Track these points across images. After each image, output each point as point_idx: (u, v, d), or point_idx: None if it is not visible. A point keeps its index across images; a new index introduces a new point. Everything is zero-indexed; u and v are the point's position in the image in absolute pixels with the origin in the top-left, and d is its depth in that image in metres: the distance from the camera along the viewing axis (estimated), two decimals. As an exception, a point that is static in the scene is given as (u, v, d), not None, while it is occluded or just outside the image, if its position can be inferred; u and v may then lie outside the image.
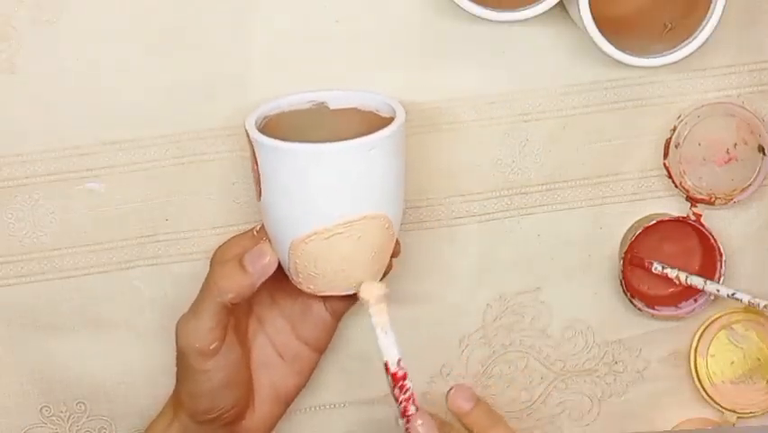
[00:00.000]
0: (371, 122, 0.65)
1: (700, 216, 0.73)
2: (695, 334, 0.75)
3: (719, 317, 0.75)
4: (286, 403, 0.69)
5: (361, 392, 0.74)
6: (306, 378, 0.69)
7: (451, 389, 0.64)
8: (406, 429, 0.60)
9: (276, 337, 0.68)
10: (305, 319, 0.67)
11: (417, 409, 0.60)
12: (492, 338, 0.74)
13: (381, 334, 0.61)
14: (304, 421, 0.74)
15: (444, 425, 0.64)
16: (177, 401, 0.66)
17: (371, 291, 0.62)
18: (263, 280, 0.63)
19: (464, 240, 0.72)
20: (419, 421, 0.60)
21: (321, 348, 0.68)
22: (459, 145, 0.71)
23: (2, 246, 0.70)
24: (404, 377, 0.60)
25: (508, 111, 0.71)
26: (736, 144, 0.72)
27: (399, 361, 0.60)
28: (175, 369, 0.65)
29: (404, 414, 0.60)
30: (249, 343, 0.68)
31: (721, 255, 0.72)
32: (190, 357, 0.63)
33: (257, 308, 0.68)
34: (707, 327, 0.75)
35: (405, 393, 0.60)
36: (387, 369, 0.60)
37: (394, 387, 0.60)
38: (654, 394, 0.76)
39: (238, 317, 0.66)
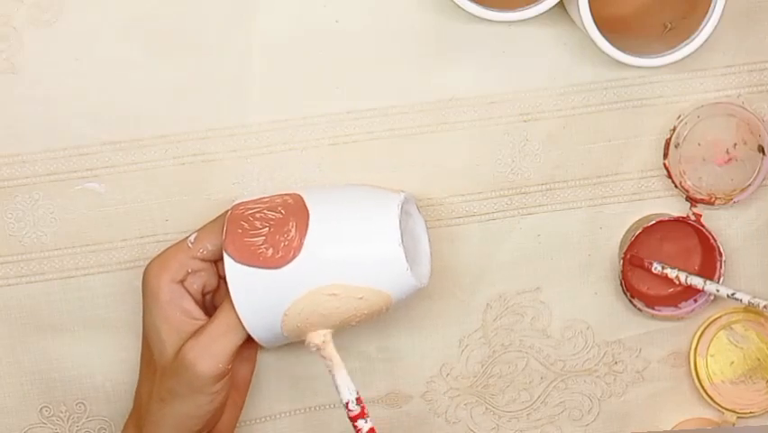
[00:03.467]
0: None
1: (700, 216, 0.73)
2: (695, 334, 0.75)
3: (719, 317, 0.74)
4: (246, 390, 0.69)
5: (361, 392, 0.73)
6: (254, 359, 0.70)
7: None
8: None
9: None
10: None
11: None
12: (492, 338, 0.74)
13: (336, 374, 0.62)
14: (304, 421, 0.74)
15: None
16: (146, 422, 0.65)
17: (316, 337, 0.63)
18: None
19: (464, 240, 0.72)
20: None
21: None
22: (459, 145, 0.71)
23: (2, 246, 0.70)
24: (361, 414, 0.61)
25: (508, 111, 0.71)
26: (735, 144, 0.72)
27: (358, 399, 0.62)
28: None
29: None
30: None
31: (721, 255, 0.72)
32: (205, 381, 0.62)
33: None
34: (706, 327, 0.75)
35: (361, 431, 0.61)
36: (346, 407, 0.61)
37: (353, 423, 0.61)
38: (654, 394, 0.76)
39: None
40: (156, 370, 0.64)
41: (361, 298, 0.63)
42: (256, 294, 0.62)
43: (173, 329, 0.63)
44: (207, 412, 0.64)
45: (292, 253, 0.62)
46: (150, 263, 0.65)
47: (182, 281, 0.65)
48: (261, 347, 0.69)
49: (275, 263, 0.62)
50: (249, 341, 0.65)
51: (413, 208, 0.67)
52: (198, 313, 0.64)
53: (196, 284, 0.65)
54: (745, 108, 0.71)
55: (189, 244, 0.65)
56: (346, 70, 0.69)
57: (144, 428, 0.65)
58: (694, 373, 0.75)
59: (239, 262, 0.62)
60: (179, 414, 0.64)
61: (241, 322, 0.63)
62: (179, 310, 0.64)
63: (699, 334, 0.75)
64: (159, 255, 0.65)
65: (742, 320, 0.75)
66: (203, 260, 0.65)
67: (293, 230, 0.62)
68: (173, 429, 0.64)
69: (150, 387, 0.65)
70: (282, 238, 0.62)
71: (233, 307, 0.63)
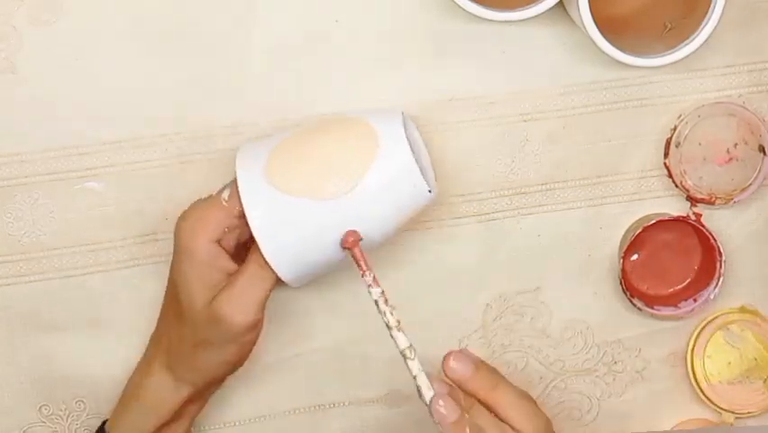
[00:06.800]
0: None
1: (700, 215, 0.73)
2: (692, 335, 0.75)
3: (715, 317, 0.75)
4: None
5: (361, 392, 0.74)
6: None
7: (448, 355, 0.62)
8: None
9: None
10: None
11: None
12: (492, 338, 0.74)
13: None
14: (304, 421, 0.74)
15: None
16: (174, 369, 0.66)
17: None
18: None
19: (464, 240, 0.72)
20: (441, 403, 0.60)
21: None
22: (459, 145, 0.71)
23: (2, 246, 0.70)
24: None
25: (508, 111, 0.71)
26: (736, 144, 0.72)
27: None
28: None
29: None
30: None
31: (721, 255, 0.72)
32: (240, 332, 0.63)
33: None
34: (703, 327, 0.75)
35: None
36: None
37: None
38: (654, 394, 0.76)
39: None
40: (182, 316, 0.64)
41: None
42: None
43: (207, 286, 0.64)
44: (241, 359, 0.66)
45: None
46: (183, 219, 0.64)
47: (219, 240, 0.64)
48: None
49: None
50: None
51: (407, 121, 0.67)
52: (234, 268, 0.64)
53: (232, 241, 0.65)
54: (745, 108, 0.71)
55: (224, 202, 0.64)
56: (346, 70, 0.69)
57: (177, 370, 0.66)
58: (691, 374, 0.75)
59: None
60: (214, 361, 0.65)
61: (268, 270, 0.63)
62: (216, 269, 0.64)
63: (695, 334, 0.75)
64: (192, 210, 0.65)
65: (738, 321, 0.75)
66: (238, 217, 0.64)
67: None
68: (208, 373, 0.66)
69: (180, 331, 0.65)
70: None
71: (260, 254, 0.62)
